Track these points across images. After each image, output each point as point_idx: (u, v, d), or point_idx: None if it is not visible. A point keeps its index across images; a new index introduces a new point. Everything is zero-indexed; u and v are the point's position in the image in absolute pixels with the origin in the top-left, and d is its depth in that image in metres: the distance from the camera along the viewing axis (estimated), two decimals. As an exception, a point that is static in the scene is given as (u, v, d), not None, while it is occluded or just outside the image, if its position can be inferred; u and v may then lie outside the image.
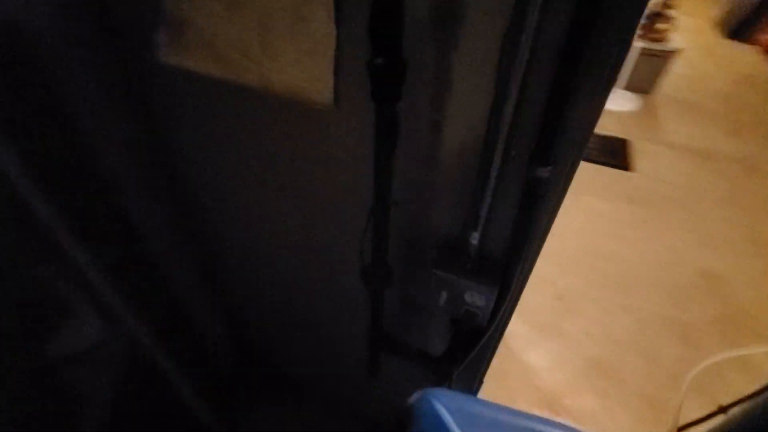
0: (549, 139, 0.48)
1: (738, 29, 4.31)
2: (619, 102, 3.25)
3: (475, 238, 0.61)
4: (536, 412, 1.51)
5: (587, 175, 2.57)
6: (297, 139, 0.66)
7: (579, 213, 2.29)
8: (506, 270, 0.63)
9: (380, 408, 1.10)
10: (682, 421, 1.02)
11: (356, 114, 0.58)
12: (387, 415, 1.11)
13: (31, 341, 0.73)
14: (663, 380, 1.60)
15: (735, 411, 0.76)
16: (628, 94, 3.31)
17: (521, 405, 1.54)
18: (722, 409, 0.83)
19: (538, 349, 1.68)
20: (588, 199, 2.39)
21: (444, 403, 0.54)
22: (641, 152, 2.78)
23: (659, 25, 3.16)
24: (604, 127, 3.02)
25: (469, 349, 0.78)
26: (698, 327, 1.77)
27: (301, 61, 0.57)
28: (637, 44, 2.98)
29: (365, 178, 0.63)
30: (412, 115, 0.55)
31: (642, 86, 3.34)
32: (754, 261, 2.06)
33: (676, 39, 3.21)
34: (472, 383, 0.91)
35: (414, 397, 0.57)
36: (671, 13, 3.16)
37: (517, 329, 1.74)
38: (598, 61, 0.42)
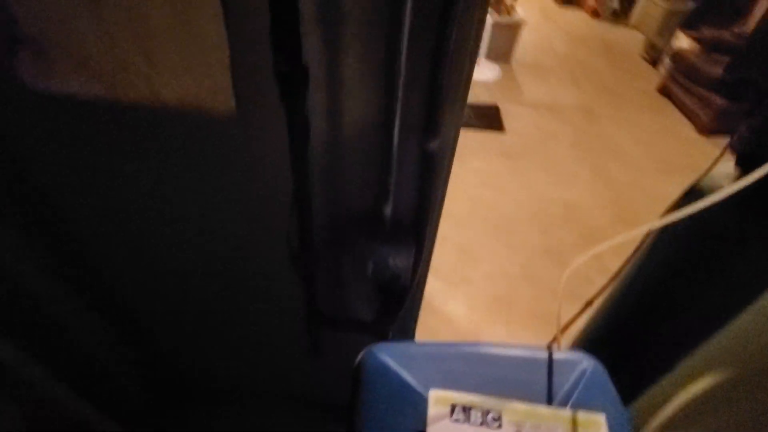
0: (434, 115, 0.58)
1: (566, -3, 5.07)
2: (485, 73, 3.63)
3: (387, 209, 0.70)
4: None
5: (470, 141, 2.87)
6: (199, 149, 0.66)
7: (467, 174, 2.57)
8: (418, 230, 0.74)
9: (331, 385, 1.16)
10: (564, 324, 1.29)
11: (259, 116, 0.61)
12: (339, 389, 1.18)
13: None
14: (549, 299, 1.95)
15: (597, 303, 1.01)
16: (491, 64, 3.71)
17: (448, 349, 1.74)
18: (588, 303, 1.08)
19: (453, 300, 1.90)
20: (473, 161, 2.69)
21: (387, 353, 0.63)
22: (509, 114, 3.18)
23: (507, 1, 3.58)
24: (478, 96, 3.36)
25: (399, 305, 0.89)
26: (567, 249, 2.17)
27: (194, 71, 0.58)
28: (490, 19, 3.34)
29: (278, 173, 0.68)
30: (317, 107, 0.60)
31: (501, 56, 3.77)
32: (599, 189, 2.56)
33: (520, 11, 3.68)
34: (406, 338, 1.03)
35: (360, 356, 0.65)
36: (513, -13, 3.60)
37: (434, 286, 1.93)
38: (462, 44, 0.53)
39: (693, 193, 0.76)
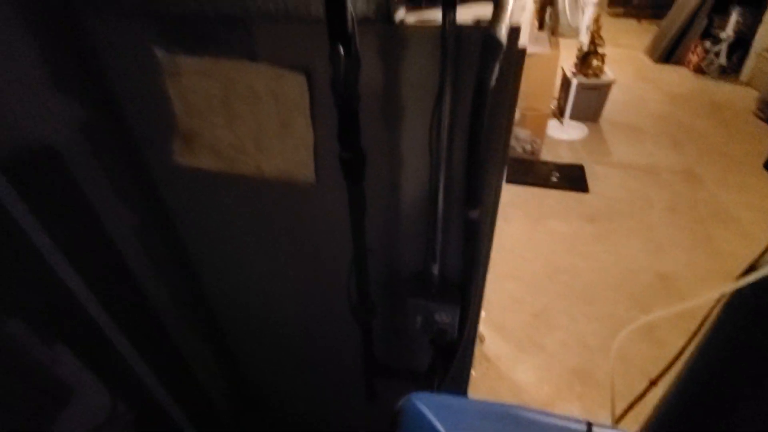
0: (473, 190, 0.67)
1: (667, 54, 4.87)
2: (570, 132, 3.60)
3: (435, 269, 0.79)
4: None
5: (551, 201, 2.82)
6: (288, 210, 0.84)
7: (545, 236, 2.51)
8: (463, 289, 0.81)
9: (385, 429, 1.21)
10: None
11: (333, 187, 0.77)
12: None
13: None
14: (635, 376, 1.75)
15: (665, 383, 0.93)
16: (576, 123, 3.67)
17: (513, 419, 1.65)
18: (652, 382, 0.99)
19: (522, 366, 1.82)
20: (553, 222, 2.63)
21: (425, 402, 0.69)
22: (595, 174, 3.07)
23: (593, 62, 3.58)
24: (561, 156, 3.33)
25: (448, 360, 0.94)
26: (660, 325, 1.95)
27: (288, 153, 0.76)
28: (575, 80, 3.36)
29: (345, 233, 0.81)
30: (376, 182, 0.74)
31: (587, 116, 3.71)
32: (701, 259, 2.29)
33: (609, 72, 3.63)
34: (457, 393, 1.05)
35: (400, 402, 0.71)
36: (601, 50, 3.60)
37: (501, 350, 1.88)
38: (494, 133, 0.63)
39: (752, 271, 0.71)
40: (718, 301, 0.86)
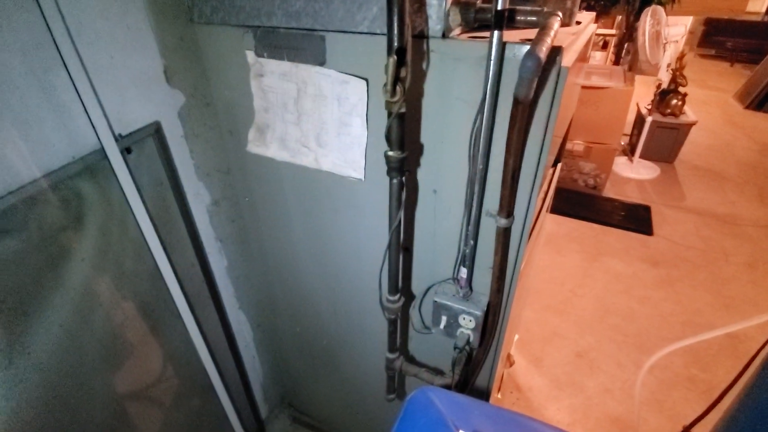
0: (505, 199, 0.71)
1: (760, 101, 4.47)
2: (640, 171, 3.41)
3: (464, 273, 0.83)
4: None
5: (610, 239, 2.68)
6: (337, 200, 0.93)
7: (600, 274, 2.39)
8: (490, 299, 0.83)
9: None
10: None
11: (378, 184, 0.84)
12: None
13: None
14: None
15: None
16: (648, 163, 3.47)
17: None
18: (685, 429, 0.92)
19: (557, 404, 1.74)
20: (610, 261, 2.50)
21: (437, 396, 0.71)
22: (664, 217, 2.88)
23: (672, 101, 3.40)
24: (626, 194, 3.17)
25: (468, 365, 0.95)
26: (720, 385, 1.76)
27: (343, 150, 0.85)
28: (649, 118, 3.21)
29: (384, 230, 0.88)
30: (416, 185, 0.81)
31: (661, 156, 3.51)
32: (783, 325, 2.04)
33: (690, 113, 3.42)
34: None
35: (413, 393, 0.74)
36: (683, 90, 3.42)
37: (536, 383, 1.81)
38: (530, 146, 0.67)
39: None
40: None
